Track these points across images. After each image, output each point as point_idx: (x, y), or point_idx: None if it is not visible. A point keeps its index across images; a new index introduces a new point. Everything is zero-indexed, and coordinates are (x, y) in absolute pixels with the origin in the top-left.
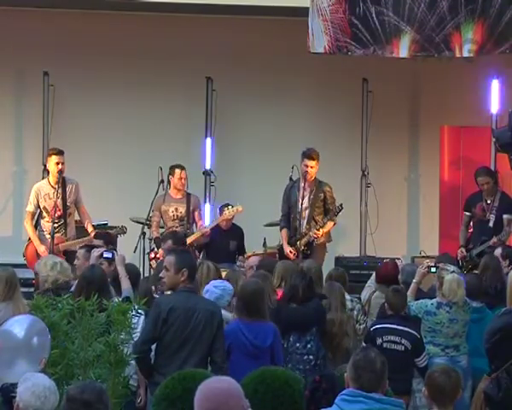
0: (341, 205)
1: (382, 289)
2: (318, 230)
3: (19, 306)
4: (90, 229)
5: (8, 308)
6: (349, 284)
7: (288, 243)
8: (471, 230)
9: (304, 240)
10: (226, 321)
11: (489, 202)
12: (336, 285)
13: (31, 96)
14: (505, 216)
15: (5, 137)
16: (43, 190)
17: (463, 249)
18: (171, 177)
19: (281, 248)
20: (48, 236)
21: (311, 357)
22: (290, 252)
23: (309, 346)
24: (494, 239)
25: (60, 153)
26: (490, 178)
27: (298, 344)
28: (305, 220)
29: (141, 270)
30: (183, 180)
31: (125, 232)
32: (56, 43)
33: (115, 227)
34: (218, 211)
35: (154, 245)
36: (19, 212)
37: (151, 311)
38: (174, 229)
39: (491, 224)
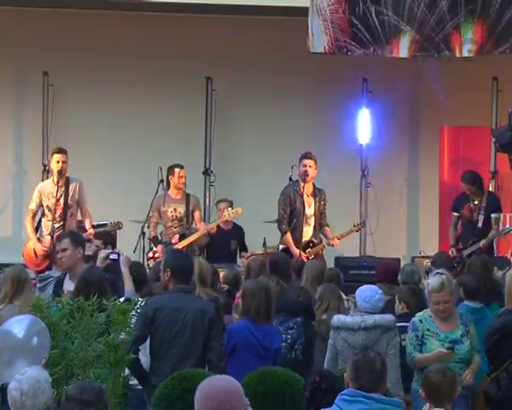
0: (363, 222)
1: (383, 289)
2: (339, 238)
3: (28, 304)
4: (88, 226)
5: (14, 309)
6: (349, 284)
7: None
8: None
9: (316, 249)
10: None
11: (476, 202)
12: (333, 286)
13: (31, 96)
14: (493, 215)
15: (5, 137)
16: (46, 189)
17: (454, 250)
18: (170, 177)
19: (283, 251)
20: (48, 237)
21: (288, 337)
22: (304, 256)
23: (290, 332)
24: (483, 241)
25: (60, 151)
26: (471, 185)
27: (280, 327)
28: (311, 227)
29: None
30: (183, 179)
31: (121, 228)
32: (56, 43)
33: (110, 224)
34: (215, 206)
35: (152, 245)
36: (19, 212)
37: (140, 310)
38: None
39: (479, 224)
